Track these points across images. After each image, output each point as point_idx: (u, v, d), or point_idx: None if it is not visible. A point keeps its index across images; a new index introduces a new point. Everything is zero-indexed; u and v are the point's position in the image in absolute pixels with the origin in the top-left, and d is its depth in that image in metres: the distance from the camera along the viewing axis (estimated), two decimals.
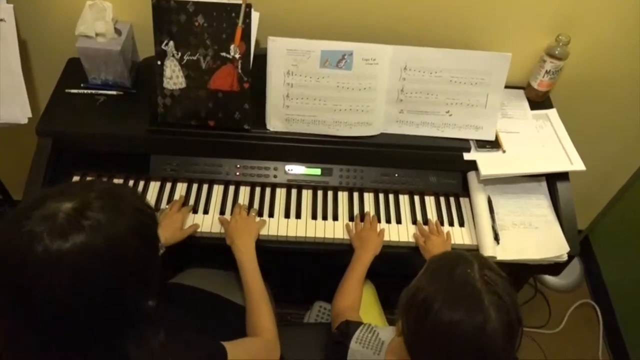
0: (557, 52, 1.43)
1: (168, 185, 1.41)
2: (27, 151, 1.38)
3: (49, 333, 0.69)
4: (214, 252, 1.40)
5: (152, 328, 0.78)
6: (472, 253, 0.87)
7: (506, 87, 1.54)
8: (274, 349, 1.12)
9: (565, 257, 1.33)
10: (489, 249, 1.31)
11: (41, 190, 0.72)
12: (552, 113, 1.52)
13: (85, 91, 1.43)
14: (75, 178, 1.39)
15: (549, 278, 2.18)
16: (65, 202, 0.68)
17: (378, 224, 1.38)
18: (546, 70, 1.46)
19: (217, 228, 1.34)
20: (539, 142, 1.45)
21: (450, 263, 0.83)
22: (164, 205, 1.37)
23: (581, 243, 2.19)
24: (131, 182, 1.40)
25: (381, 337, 0.98)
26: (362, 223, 1.37)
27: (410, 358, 0.84)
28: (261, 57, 1.32)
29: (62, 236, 0.65)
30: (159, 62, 1.31)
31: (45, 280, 0.65)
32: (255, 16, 1.28)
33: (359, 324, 1.04)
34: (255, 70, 1.32)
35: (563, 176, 1.43)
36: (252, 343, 1.11)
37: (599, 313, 2.11)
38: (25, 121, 1.36)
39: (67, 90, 1.43)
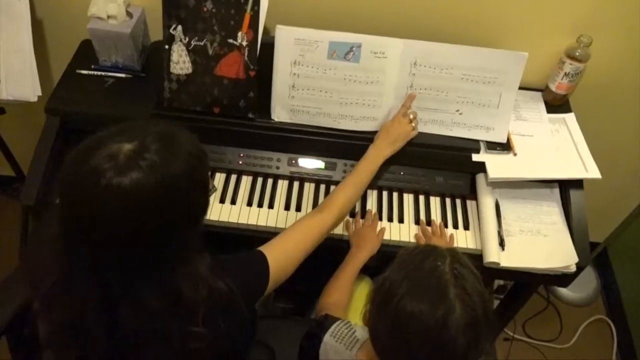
0: (577, 54, 1.37)
1: None
2: (40, 130, 1.39)
3: (106, 257, 0.76)
4: (215, 239, 1.39)
5: (199, 258, 0.83)
6: (447, 248, 0.83)
7: (523, 88, 1.51)
8: (321, 218, 1.13)
9: (573, 268, 1.27)
10: (493, 255, 1.26)
11: (102, 131, 0.78)
12: (570, 117, 1.46)
13: (96, 73, 1.44)
14: None
15: (563, 291, 2.11)
16: (125, 143, 0.74)
17: (379, 223, 1.34)
18: (565, 73, 1.40)
19: (215, 215, 1.33)
20: (553, 147, 1.39)
21: (421, 254, 0.81)
22: None
23: (599, 256, 2.12)
24: None
25: (357, 334, 0.95)
26: (363, 220, 1.34)
27: (374, 350, 0.82)
28: (269, 45, 1.30)
29: (122, 173, 0.72)
30: (166, 47, 1.30)
31: (106, 210, 0.72)
32: (264, 4, 1.26)
33: (337, 318, 1.01)
34: (262, 58, 1.31)
35: (577, 184, 1.36)
36: (300, 228, 1.12)
37: (614, 330, 2.02)
38: (35, 99, 1.38)
39: (77, 71, 1.44)
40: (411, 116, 1.32)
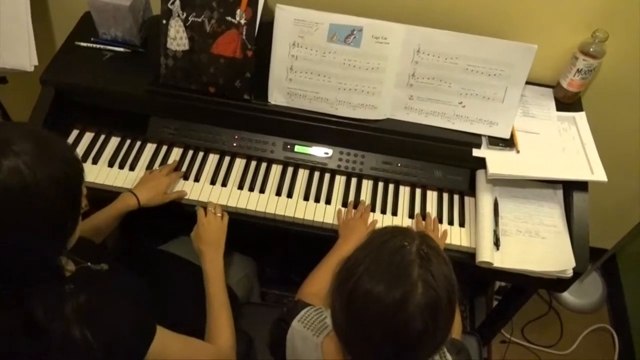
0: (591, 50, 1.30)
1: (164, 149, 1.38)
2: None
3: None
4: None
5: (68, 290, 0.76)
6: (419, 231, 0.79)
7: (534, 84, 1.45)
8: (226, 357, 1.05)
9: (570, 274, 1.22)
10: (486, 254, 1.22)
11: None
12: (580, 117, 1.39)
13: (94, 45, 1.42)
14: (75, 131, 1.39)
15: (566, 296, 2.05)
16: None
17: (372, 214, 1.30)
18: (578, 69, 1.33)
19: (205, 197, 1.30)
20: (560, 146, 1.33)
21: (390, 234, 0.76)
22: (155, 167, 1.35)
23: (607, 263, 2.04)
24: (128, 142, 1.39)
25: (327, 321, 0.91)
26: (355, 211, 1.30)
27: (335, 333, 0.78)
28: (268, 25, 1.27)
29: None
30: (164, 21, 1.28)
31: None
32: None
33: (308, 304, 0.98)
34: (262, 39, 1.27)
35: (581, 186, 1.30)
36: (198, 345, 1.02)
37: (616, 340, 1.96)
38: (31, 68, 1.36)
39: (76, 43, 1.42)
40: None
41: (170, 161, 1.36)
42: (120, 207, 1.20)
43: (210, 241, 1.18)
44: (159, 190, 1.24)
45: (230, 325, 1.10)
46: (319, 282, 1.11)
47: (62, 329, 0.73)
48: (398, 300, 0.69)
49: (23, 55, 1.34)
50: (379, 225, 1.28)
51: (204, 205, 1.24)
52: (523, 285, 1.42)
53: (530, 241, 1.26)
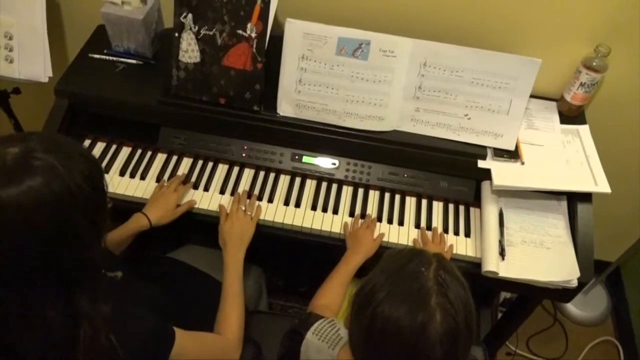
0: (594, 64, 1.33)
1: (174, 159, 1.41)
2: None
3: (4, 274, 0.69)
4: (212, 230, 1.39)
5: (104, 294, 0.77)
6: (435, 254, 0.79)
7: (539, 97, 1.47)
8: (232, 349, 1.08)
9: (574, 284, 1.23)
10: (492, 264, 1.23)
11: None
12: (584, 129, 1.41)
13: (108, 57, 1.45)
14: (87, 141, 1.42)
15: (571, 309, 2.05)
16: (9, 147, 0.68)
17: (378, 224, 1.32)
18: (581, 83, 1.36)
19: (214, 206, 1.32)
20: (564, 158, 1.35)
21: (406, 258, 0.77)
22: (165, 177, 1.37)
23: (611, 276, 2.05)
24: (139, 152, 1.41)
25: (341, 332, 0.92)
26: (362, 222, 1.31)
27: (352, 356, 0.79)
28: (278, 39, 1.30)
29: (12, 180, 0.66)
30: (176, 34, 1.31)
31: None
32: None
33: (321, 316, 0.99)
34: (272, 52, 1.30)
35: (586, 197, 1.32)
36: (208, 338, 1.06)
37: (621, 353, 1.95)
38: (46, 80, 1.39)
39: (90, 55, 1.46)
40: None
41: (180, 172, 1.38)
42: (132, 228, 1.22)
43: (234, 236, 1.22)
44: (168, 208, 1.26)
45: (239, 318, 1.13)
46: (330, 294, 1.13)
47: (91, 334, 0.74)
48: (417, 329, 0.69)
49: (38, 67, 1.37)
50: (386, 237, 1.30)
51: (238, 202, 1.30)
52: (528, 296, 1.43)
53: (535, 251, 1.27)
